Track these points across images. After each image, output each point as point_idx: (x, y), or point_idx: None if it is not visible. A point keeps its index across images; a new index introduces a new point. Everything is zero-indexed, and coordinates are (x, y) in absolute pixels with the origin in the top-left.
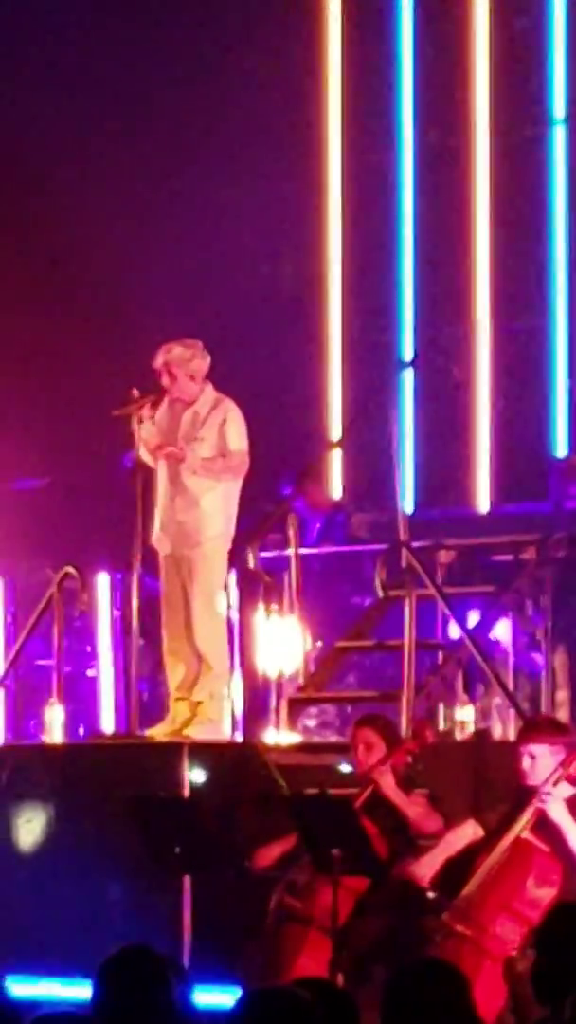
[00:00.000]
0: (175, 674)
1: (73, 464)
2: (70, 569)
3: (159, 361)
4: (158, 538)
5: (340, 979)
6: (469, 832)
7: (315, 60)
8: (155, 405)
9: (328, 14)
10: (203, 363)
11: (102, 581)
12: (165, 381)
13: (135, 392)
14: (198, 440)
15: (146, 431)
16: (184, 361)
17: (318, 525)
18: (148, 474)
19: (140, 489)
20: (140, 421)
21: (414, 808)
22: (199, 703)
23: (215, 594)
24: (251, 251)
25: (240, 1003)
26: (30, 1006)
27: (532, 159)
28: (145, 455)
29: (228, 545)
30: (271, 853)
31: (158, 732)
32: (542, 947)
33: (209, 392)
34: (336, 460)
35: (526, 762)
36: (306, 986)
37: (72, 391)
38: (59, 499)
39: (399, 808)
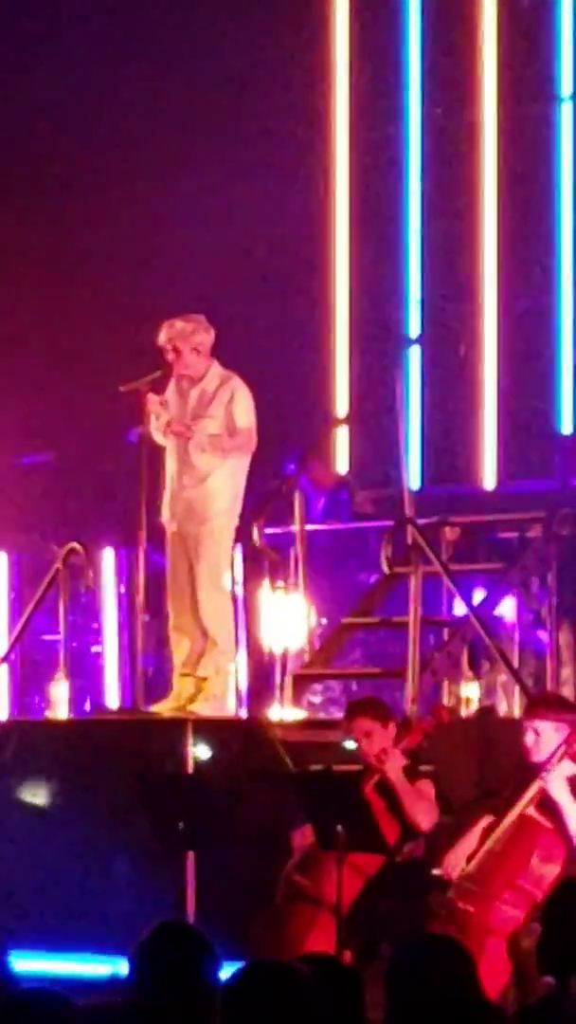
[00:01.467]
0: (180, 650)
1: (78, 440)
2: (75, 545)
3: (162, 338)
4: (166, 515)
5: (348, 956)
6: (484, 825)
7: (322, 38)
8: (162, 382)
9: None
10: (207, 337)
11: (108, 557)
12: (170, 357)
13: (146, 374)
14: (206, 418)
15: (154, 408)
16: (187, 335)
17: (322, 502)
18: (154, 450)
19: (145, 465)
20: (147, 396)
21: (415, 803)
22: (204, 679)
23: (221, 570)
24: (257, 228)
25: (237, 975)
26: (33, 981)
27: (539, 136)
28: (156, 433)
29: (235, 522)
30: (307, 837)
31: (162, 708)
32: (547, 922)
33: (216, 369)
34: (342, 437)
35: (530, 738)
36: (312, 962)
37: (77, 367)
38: (64, 475)
39: (401, 799)
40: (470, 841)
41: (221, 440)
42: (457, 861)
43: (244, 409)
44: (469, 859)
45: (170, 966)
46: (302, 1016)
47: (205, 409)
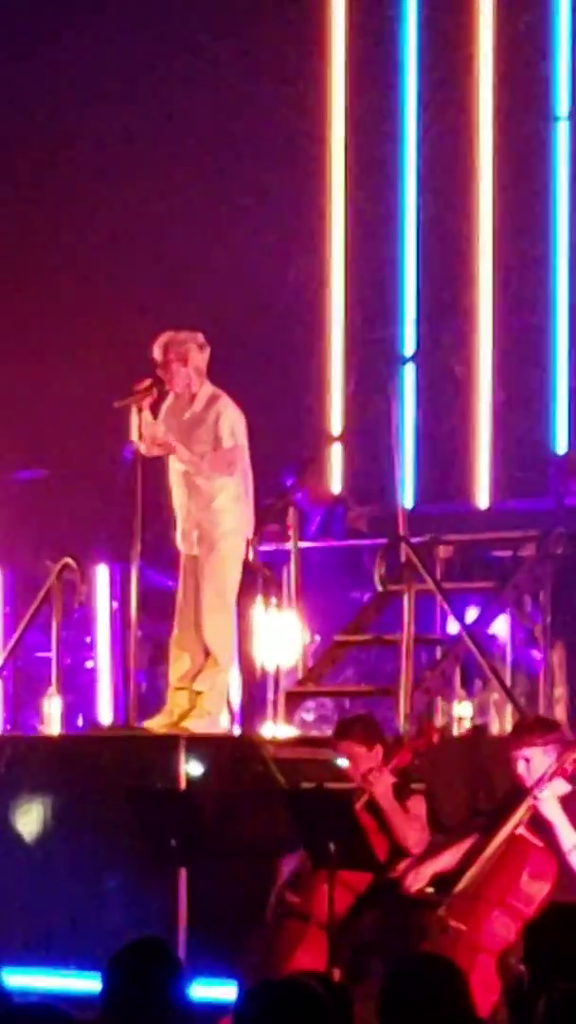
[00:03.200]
0: (178, 665)
1: (72, 456)
2: (69, 561)
3: (156, 354)
4: (180, 541)
5: (337, 974)
6: (466, 846)
7: (319, 57)
8: (157, 400)
9: (333, 7)
10: (199, 353)
11: (101, 573)
12: (163, 375)
13: (138, 384)
14: (194, 439)
15: (147, 425)
16: (177, 345)
17: (318, 519)
18: (148, 467)
19: (140, 481)
20: (140, 412)
21: (404, 825)
22: (199, 694)
23: (226, 590)
24: (252, 245)
25: (250, 994)
26: (26, 997)
27: (535, 155)
28: (142, 445)
29: (244, 542)
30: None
31: (155, 724)
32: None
33: (207, 389)
34: (336, 454)
35: (521, 766)
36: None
37: (71, 382)
38: (58, 491)
39: (389, 820)
40: (443, 859)
41: (201, 459)
42: (418, 879)
43: (229, 428)
44: (457, 878)
45: (137, 983)
46: None
47: (194, 430)
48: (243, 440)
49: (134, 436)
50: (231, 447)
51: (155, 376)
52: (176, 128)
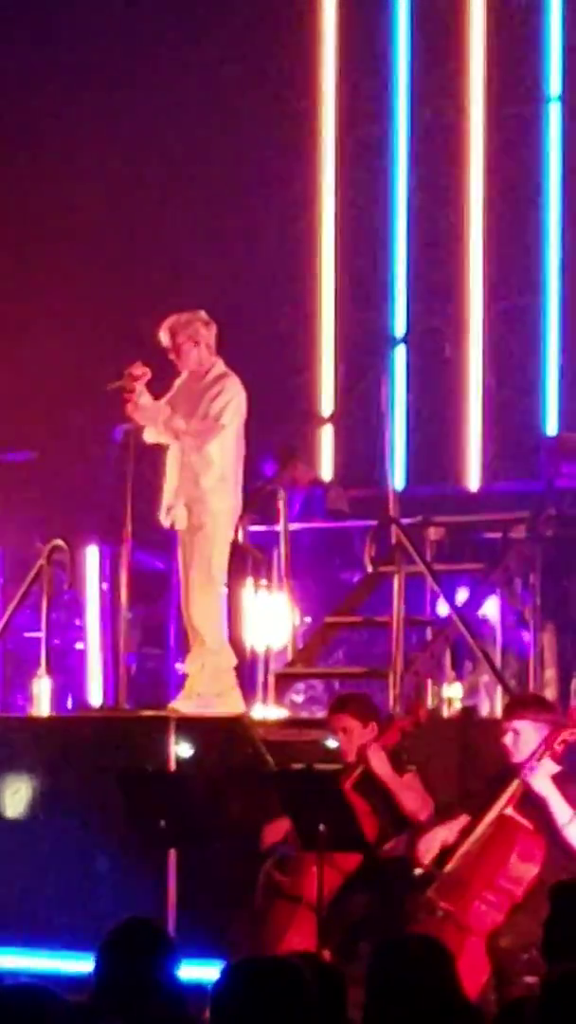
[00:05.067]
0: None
1: (62, 437)
2: (59, 542)
3: (164, 339)
4: (163, 513)
5: (327, 955)
6: (464, 822)
7: (310, 35)
8: (153, 382)
9: None
10: (205, 330)
11: (91, 554)
12: (175, 358)
13: (131, 367)
14: (196, 413)
15: (147, 407)
16: (183, 326)
17: (299, 501)
18: (141, 447)
19: (132, 462)
20: (132, 394)
21: (407, 793)
22: (187, 675)
23: (213, 568)
24: (242, 227)
25: (229, 970)
26: (13, 978)
27: (526, 136)
28: (147, 432)
29: (232, 521)
30: (279, 832)
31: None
32: (553, 908)
33: (219, 367)
34: (326, 436)
35: (509, 738)
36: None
37: (62, 364)
38: (48, 472)
39: (392, 792)
40: (447, 831)
41: (173, 422)
42: (429, 847)
43: (222, 402)
44: (448, 857)
45: (130, 963)
46: (294, 1011)
47: (198, 403)
48: (237, 421)
49: (136, 421)
50: (217, 424)
51: (144, 361)
52: (167, 111)
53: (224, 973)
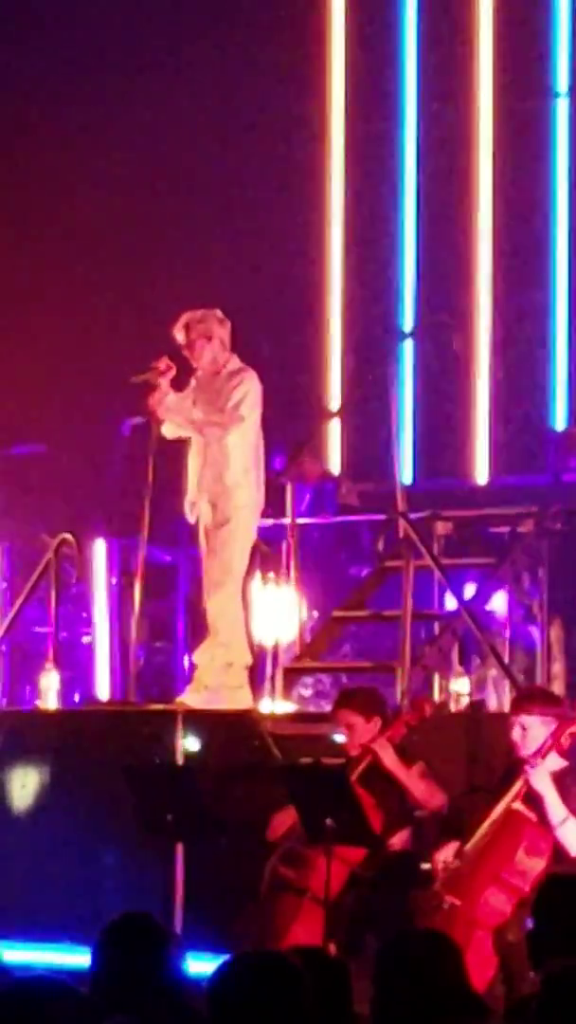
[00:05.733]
0: None
1: (71, 431)
2: (67, 536)
3: (179, 336)
4: (188, 509)
5: (333, 949)
6: None
7: (318, 31)
8: (181, 379)
9: None
10: (220, 328)
11: (99, 548)
12: (189, 355)
13: (157, 362)
14: (214, 410)
15: (172, 402)
16: (197, 323)
17: (308, 497)
18: (161, 442)
19: (150, 456)
20: (158, 389)
21: (418, 784)
22: (196, 666)
23: (234, 563)
24: (250, 222)
25: (224, 965)
26: (22, 971)
27: (535, 131)
28: (167, 427)
29: (255, 517)
30: (286, 824)
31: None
32: (536, 916)
33: (234, 362)
34: (335, 430)
35: (517, 733)
36: (299, 955)
37: (70, 358)
38: (57, 466)
39: (403, 783)
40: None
41: (192, 416)
42: (448, 857)
43: (239, 394)
44: (457, 853)
45: (125, 958)
46: (291, 1006)
47: (216, 400)
48: (255, 415)
49: (158, 416)
50: (236, 414)
51: (169, 357)
52: (174, 107)
53: (221, 967)
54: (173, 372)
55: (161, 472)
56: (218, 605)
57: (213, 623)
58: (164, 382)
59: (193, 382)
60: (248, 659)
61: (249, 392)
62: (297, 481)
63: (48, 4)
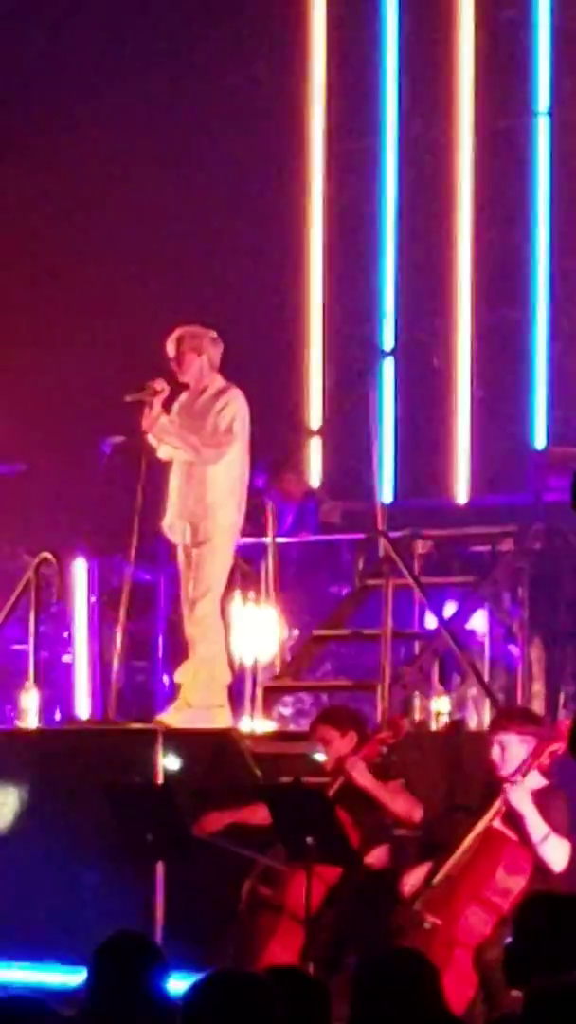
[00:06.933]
0: None
1: (51, 450)
2: (47, 555)
3: (170, 348)
4: (168, 529)
5: (311, 968)
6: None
7: (299, 48)
8: (169, 398)
9: (313, 3)
10: (213, 348)
11: (79, 567)
12: (176, 367)
13: (152, 382)
14: (199, 429)
15: (163, 422)
16: (191, 337)
17: (291, 515)
18: (151, 461)
19: (141, 477)
20: (151, 409)
21: (394, 799)
22: (179, 685)
23: (213, 583)
24: (232, 240)
25: (197, 985)
26: (4, 990)
27: (515, 150)
28: (161, 448)
29: (236, 536)
30: (221, 820)
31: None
32: (516, 934)
33: (218, 382)
34: (315, 449)
35: (496, 752)
36: (278, 974)
37: (50, 376)
38: (37, 485)
39: (378, 799)
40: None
41: (187, 438)
42: (416, 881)
43: (231, 415)
44: (427, 876)
45: (120, 976)
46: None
47: (200, 420)
48: (244, 435)
49: (151, 437)
50: (230, 435)
51: (164, 378)
52: (156, 123)
53: (194, 986)
54: (166, 393)
55: (145, 490)
56: (197, 624)
57: (192, 642)
58: (157, 402)
59: (175, 406)
60: (228, 677)
61: (238, 412)
62: (279, 499)
63: (32, 14)
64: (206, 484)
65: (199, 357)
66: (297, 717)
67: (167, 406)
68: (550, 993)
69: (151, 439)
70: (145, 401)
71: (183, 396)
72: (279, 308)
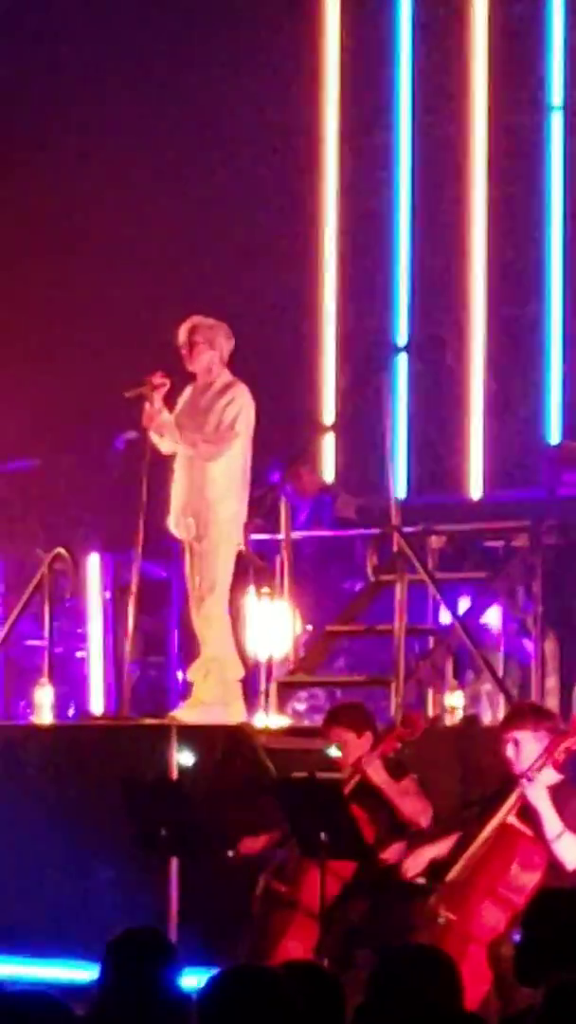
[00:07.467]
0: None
1: (64, 446)
2: (61, 550)
3: (181, 337)
4: (173, 524)
5: (326, 963)
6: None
7: (313, 44)
8: (170, 393)
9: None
10: (225, 342)
11: (93, 563)
12: (186, 357)
13: (152, 376)
14: (205, 423)
15: (164, 417)
16: (205, 328)
17: (306, 510)
18: (154, 457)
19: (144, 471)
20: (152, 404)
21: (406, 801)
22: (191, 683)
23: (218, 578)
24: (247, 237)
25: (212, 980)
26: (16, 985)
27: (529, 145)
28: (163, 443)
29: (238, 530)
30: (256, 844)
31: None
32: (525, 931)
33: (225, 376)
34: (329, 444)
35: (510, 749)
36: (293, 969)
37: (64, 372)
38: (50, 480)
39: (391, 800)
40: (438, 847)
41: (187, 436)
42: (416, 864)
43: (235, 411)
44: (448, 867)
45: (132, 972)
46: (279, 1020)
47: (205, 415)
48: (248, 431)
49: (151, 432)
50: (232, 432)
51: (164, 370)
52: (168, 118)
53: (209, 981)
54: (167, 386)
55: (155, 487)
56: (205, 620)
57: (202, 638)
58: (157, 396)
59: (181, 400)
60: (240, 672)
61: (243, 408)
62: (294, 495)
63: (39, 15)
64: (206, 479)
65: (211, 351)
66: (311, 712)
67: (171, 399)
68: (570, 989)
69: (153, 435)
70: (145, 396)
71: (188, 390)
72: (293, 304)
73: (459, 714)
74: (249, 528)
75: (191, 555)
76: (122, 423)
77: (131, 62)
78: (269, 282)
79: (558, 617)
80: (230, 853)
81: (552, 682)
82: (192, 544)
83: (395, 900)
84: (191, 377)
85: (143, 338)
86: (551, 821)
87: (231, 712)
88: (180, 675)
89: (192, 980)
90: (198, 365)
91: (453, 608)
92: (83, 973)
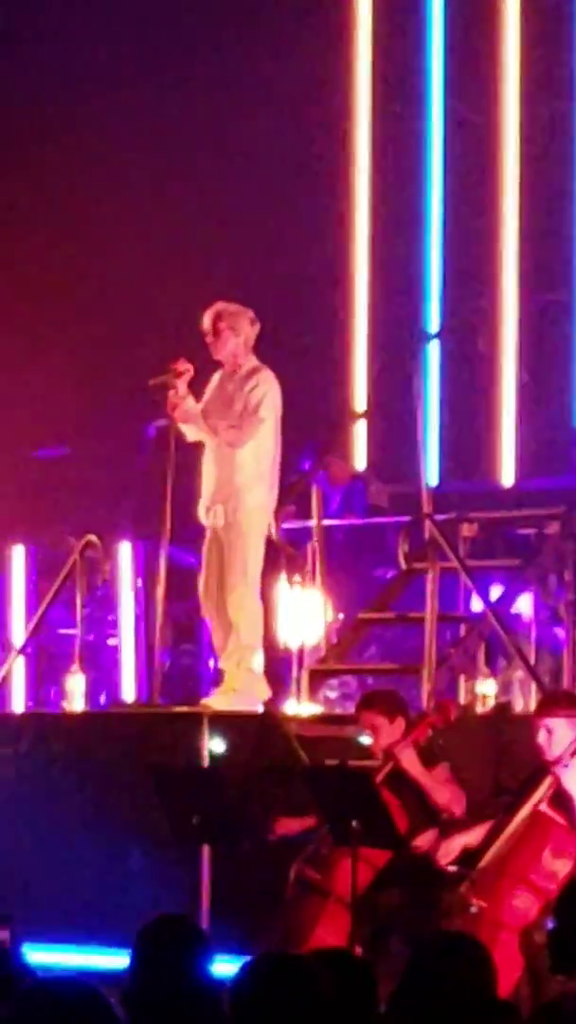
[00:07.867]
0: (216, 639)
1: (96, 433)
2: (92, 538)
3: (206, 322)
4: (203, 512)
5: (358, 950)
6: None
7: (345, 33)
8: (194, 380)
9: None
10: (250, 328)
11: (124, 550)
12: (211, 343)
13: (174, 363)
14: (231, 409)
15: (189, 405)
16: (229, 315)
17: (338, 498)
18: (179, 444)
19: (172, 460)
20: (175, 391)
21: (439, 790)
22: (223, 671)
23: (249, 566)
24: (278, 224)
25: (245, 967)
26: (45, 972)
27: (561, 132)
28: (188, 430)
29: (268, 517)
30: (292, 826)
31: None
32: (558, 918)
33: (251, 362)
34: (360, 432)
35: (542, 736)
36: (325, 957)
37: (94, 360)
38: (82, 468)
39: (424, 788)
40: (472, 834)
41: (226, 428)
42: (450, 851)
43: (260, 396)
44: (480, 855)
45: (163, 959)
46: (311, 1007)
47: (232, 402)
48: (275, 416)
49: (175, 419)
50: (256, 417)
51: (187, 356)
52: (201, 98)
53: (242, 969)
54: (191, 374)
55: (184, 474)
56: (238, 609)
57: (236, 626)
58: (181, 384)
59: (209, 387)
60: (261, 662)
61: (268, 393)
62: (326, 482)
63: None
64: (234, 466)
65: (236, 337)
66: (343, 700)
67: (197, 385)
68: None
69: (179, 422)
70: (168, 384)
71: (216, 377)
72: (324, 291)
73: (491, 702)
74: (280, 516)
75: (216, 541)
76: (153, 411)
77: (160, 57)
78: (300, 269)
79: None
80: (269, 836)
81: None
82: (219, 531)
83: (428, 888)
84: (218, 364)
85: (174, 325)
86: None
87: (255, 690)
88: (212, 663)
89: (224, 967)
90: (224, 352)
91: (485, 596)
92: (117, 960)
